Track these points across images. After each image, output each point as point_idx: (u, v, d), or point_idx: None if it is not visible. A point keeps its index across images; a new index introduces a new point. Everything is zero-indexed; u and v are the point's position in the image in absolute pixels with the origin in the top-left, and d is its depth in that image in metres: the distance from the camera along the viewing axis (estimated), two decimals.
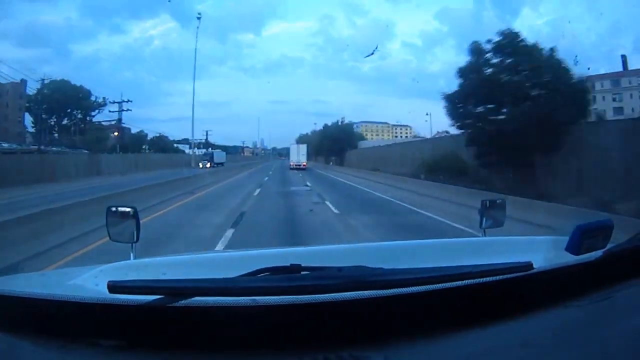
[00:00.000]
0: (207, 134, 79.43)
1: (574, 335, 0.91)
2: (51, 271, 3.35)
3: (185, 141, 78.38)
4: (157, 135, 66.84)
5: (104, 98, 47.33)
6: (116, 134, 50.55)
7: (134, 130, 62.22)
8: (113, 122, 49.89)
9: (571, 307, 1.00)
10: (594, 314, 0.99)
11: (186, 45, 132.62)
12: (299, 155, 48.43)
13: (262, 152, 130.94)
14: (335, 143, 57.31)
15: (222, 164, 55.47)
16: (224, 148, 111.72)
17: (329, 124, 66.75)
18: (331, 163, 56.26)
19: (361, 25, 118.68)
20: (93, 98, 47.58)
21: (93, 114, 48.16)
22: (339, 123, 65.43)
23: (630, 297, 1.04)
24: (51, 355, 0.86)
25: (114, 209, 1.80)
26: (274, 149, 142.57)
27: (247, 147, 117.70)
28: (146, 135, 65.58)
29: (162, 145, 66.72)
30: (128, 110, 46.58)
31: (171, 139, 73.62)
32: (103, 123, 51.59)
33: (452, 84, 18.29)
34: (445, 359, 0.86)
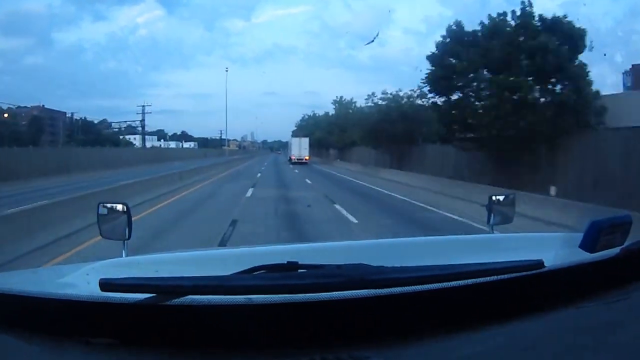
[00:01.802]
0: (143, 110, 51.77)
1: (587, 339, 0.87)
2: (43, 269, 3.38)
3: (160, 132, 65.04)
4: (80, 118, 51.13)
5: None
6: (5, 115, 38.24)
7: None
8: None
9: (585, 308, 0.97)
10: (609, 316, 0.95)
11: (172, 34, 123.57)
12: (300, 148, 45.68)
13: (252, 145, 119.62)
14: None
15: None
16: (204, 141, 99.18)
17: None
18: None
19: (359, 10, 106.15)
20: None
21: None
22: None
23: None
24: (42, 354, 0.85)
25: (105, 205, 1.77)
26: (264, 142, 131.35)
27: (235, 140, 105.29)
28: (80, 120, 52.58)
29: (99, 135, 52.34)
30: None
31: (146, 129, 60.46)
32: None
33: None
34: None
